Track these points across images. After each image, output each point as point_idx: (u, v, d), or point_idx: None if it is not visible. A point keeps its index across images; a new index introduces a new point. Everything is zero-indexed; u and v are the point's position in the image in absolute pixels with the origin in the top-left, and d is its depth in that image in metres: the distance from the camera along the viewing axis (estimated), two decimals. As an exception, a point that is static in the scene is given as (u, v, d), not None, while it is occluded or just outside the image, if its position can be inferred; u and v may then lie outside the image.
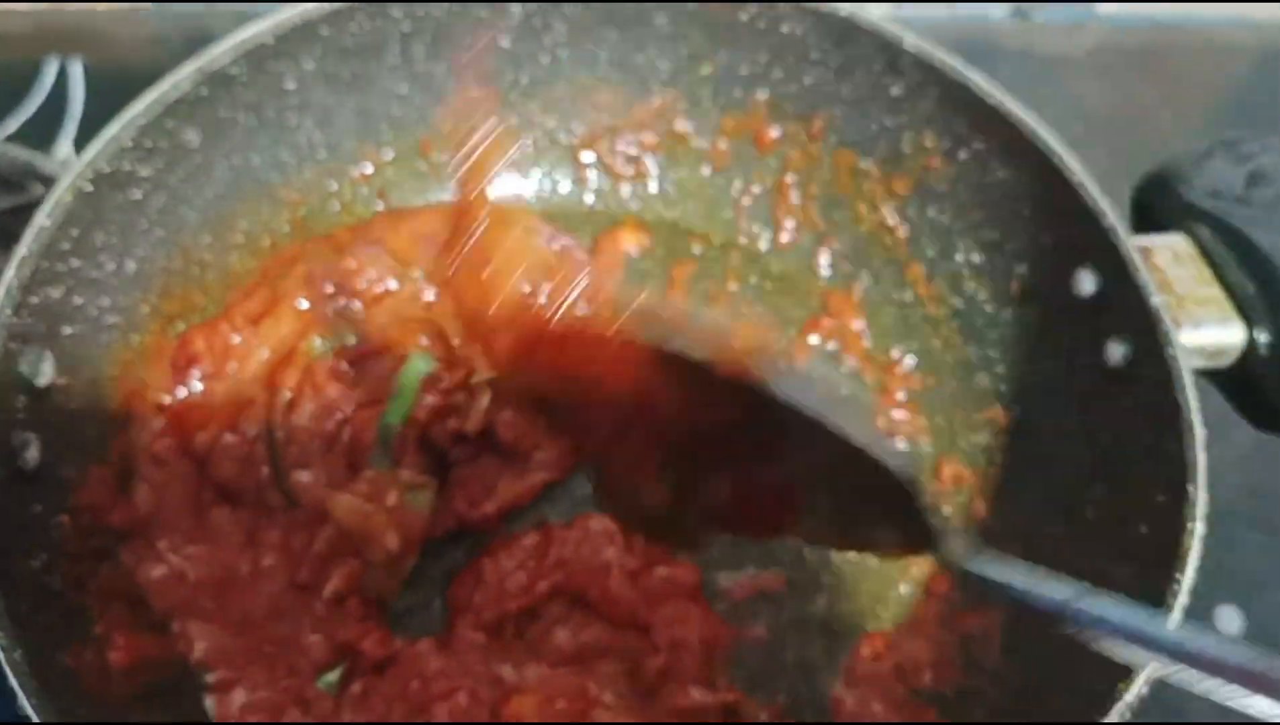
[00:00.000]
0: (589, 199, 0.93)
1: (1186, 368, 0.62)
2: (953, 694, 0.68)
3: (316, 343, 0.72)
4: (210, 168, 0.75)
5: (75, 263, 0.65)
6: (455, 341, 0.71)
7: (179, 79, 0.69)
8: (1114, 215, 0.69)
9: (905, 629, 0.72)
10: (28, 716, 0.48)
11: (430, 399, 0.70)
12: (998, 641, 0.68)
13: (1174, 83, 1.14)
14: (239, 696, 0.61)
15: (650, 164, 0.93)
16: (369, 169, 0.86)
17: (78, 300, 0.65)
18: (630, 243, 0.91)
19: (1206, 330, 0.67)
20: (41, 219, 0.62)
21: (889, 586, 0.74)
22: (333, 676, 0.64)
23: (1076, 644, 0.60)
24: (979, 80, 0.76)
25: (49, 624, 0.55)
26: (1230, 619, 0.82)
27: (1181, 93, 1.13)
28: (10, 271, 0.59)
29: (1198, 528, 0.57)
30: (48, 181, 0.93)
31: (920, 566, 0.75)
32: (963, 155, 0.80)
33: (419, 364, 0.71)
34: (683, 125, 0.91)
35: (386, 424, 0.70)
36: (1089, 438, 0.71)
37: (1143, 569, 0.60)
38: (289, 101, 0.78)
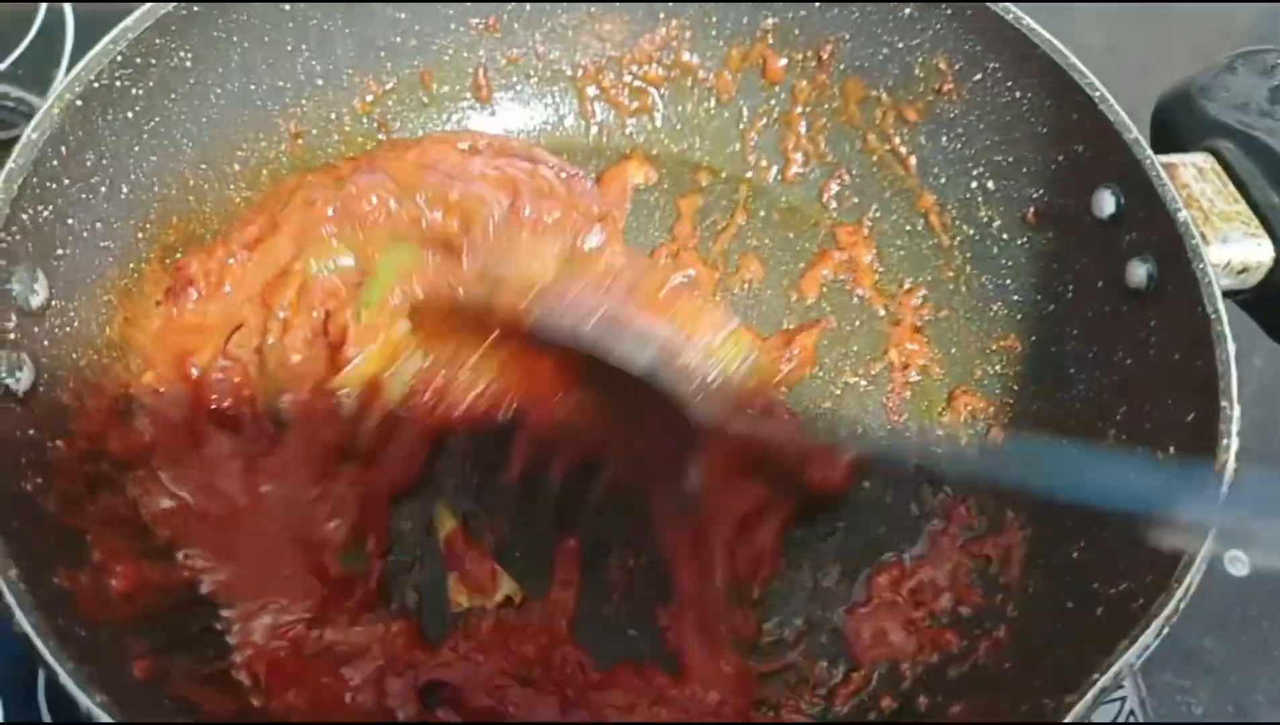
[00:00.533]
0: (594, 132, 0.90)
1: (1215, 281, 0.61)
2: (972, 614, 0.66)
3: (312, 265, 0.70)
4: (205, 92, 0.73)
5: (66, 182, 0.62)
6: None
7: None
8: (1137, 130, 0.68)
9: (922, 555, 0.71)
10: (24, 634, 0.46)
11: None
12: (1018, 560, 0.67)
13: (1176, 27, 1.12)
14: (262, 621, 0.60)
15: (656, 97, 0.90)
16: (369, 98, 0.83)
17: (70, 221, 0.63)
18: (637, 176, 0.89)
19: (1234, 246, 0.65)
20: (30, 132, 0.59)
21: (905, 514, 0.73)
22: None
23: (1100, 556, 0.59)
24: (996, -4, 0.74)
25: (43, 546, 0.53)
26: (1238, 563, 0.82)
27: (1183, 36, 1.11)
28: (-1, 185, 0.57)
29: (1233, 443, 0.55)
30: (38, 119, 0.91)
31: (938, 495, 0.74)
32: (977, 76, 0.78)
33: (402, 252, 0.69)
34: (689, 56, 0.89)
35: (364, 304, 0.68)
36: (1108, 361, 0.70)
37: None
38: (285, 25, 0.76)
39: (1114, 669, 0.49)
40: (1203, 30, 1.09)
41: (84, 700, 0.44)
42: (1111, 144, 0.68)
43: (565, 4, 0.86)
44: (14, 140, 0.81)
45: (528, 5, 0.85)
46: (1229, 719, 0.75)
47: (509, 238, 0.71)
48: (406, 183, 0.73)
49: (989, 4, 0.74)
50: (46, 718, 0.69)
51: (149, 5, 0.66)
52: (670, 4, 0.86)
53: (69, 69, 0.99)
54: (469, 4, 0.83)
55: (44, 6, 1.04)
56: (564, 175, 0.81)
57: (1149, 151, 0.66)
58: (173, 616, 0.60)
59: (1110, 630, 0.54)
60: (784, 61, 0.87)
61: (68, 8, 1.02)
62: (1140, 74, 0.77)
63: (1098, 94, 0.69)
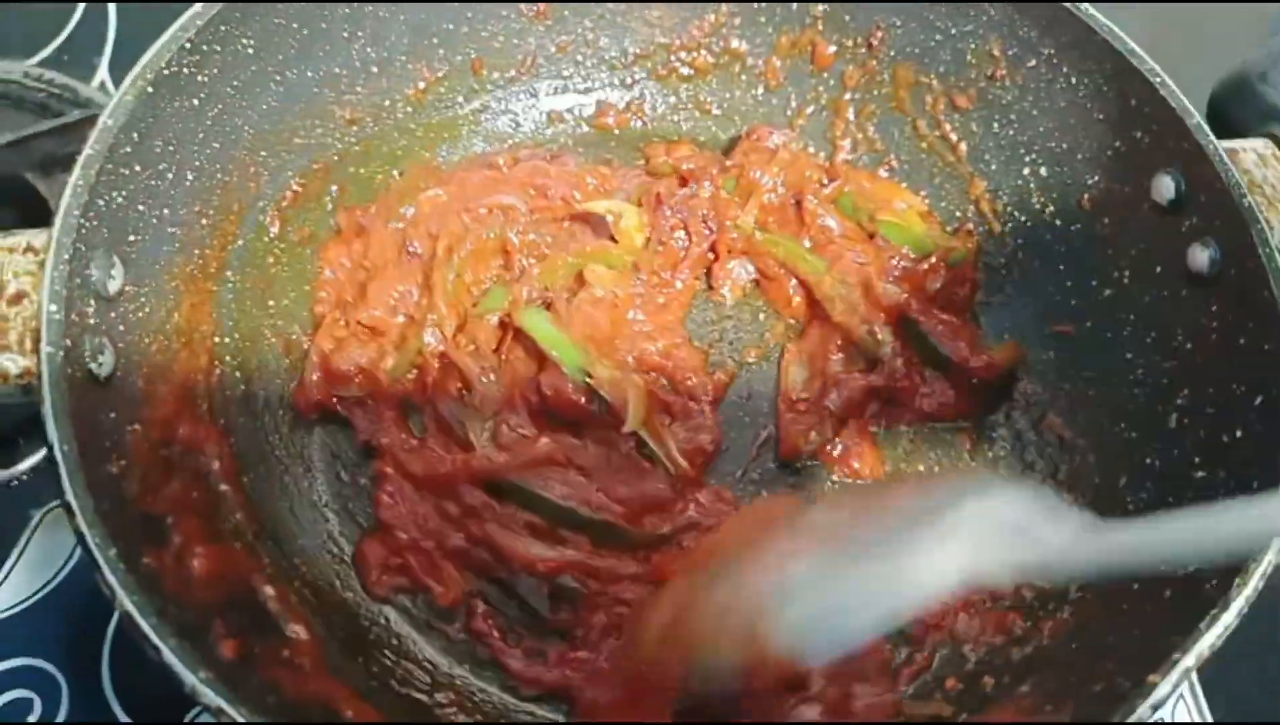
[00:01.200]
0: (641, 120, 0.91)
1: (1281, 265, 0.61)
2: (1034, 596, 0.67)
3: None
4: (265, 79, 0.73)
5: (137, 168, 0.63)
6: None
7: (236, -18, 0.67)
8: (1198, 115, 0.68)
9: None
10: (127, 612, 0.47)
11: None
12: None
13: (1213, 15, 1.11)
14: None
15: (704, 84, 0.91)
16: (421, 85, 0.84)
17: (140, 207, 0.64)
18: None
19: (1297, 230, 0.65)
20: (105, 118, 0.60)
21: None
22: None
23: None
24: (1051, -21, 0.74)
25: (130, 527, 0.54)
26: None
27: (1226, 20, 1.11)
28: (77, 172, 0.58)
29: (1304, 423, 0.56)
30: (85, 105, 0.91)
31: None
32: (1031, 63, 0.78)
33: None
34: (738, 43, 0.89)
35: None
36: (1167, 346, 0.70)
37: (1238, 472, 0.59)
38: (342, 11, 0.76)
39: (1195, 649, 0.50)
40: (1250, 15, 1.09)
41: (188, 678, 0.45)
42: (1173, 129, 0.68)
43: (614, -4, 0.86)
44: (63, 127, 0.84)
45: (575, -6, 0.86)
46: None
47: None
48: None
49: (1047, -10, 0.73)
50: (109, 690, 0.70)
51: (208, -4, 0.66)
52: (719, -8, 0.86)
53: (112, 56, 1.01)
54: (522, -9, 0.84)
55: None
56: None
57: (1212, 137, 0.66)
58: (250, 600, 0.61)
59: (1180, 613, 0.54)
60: (833, 48, 0.87)
61: (112, 6, 1.02)
62: (1190, 60, 0.77)
63: (1159, 79, 0.69)
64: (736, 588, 0.50)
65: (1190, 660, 0.49)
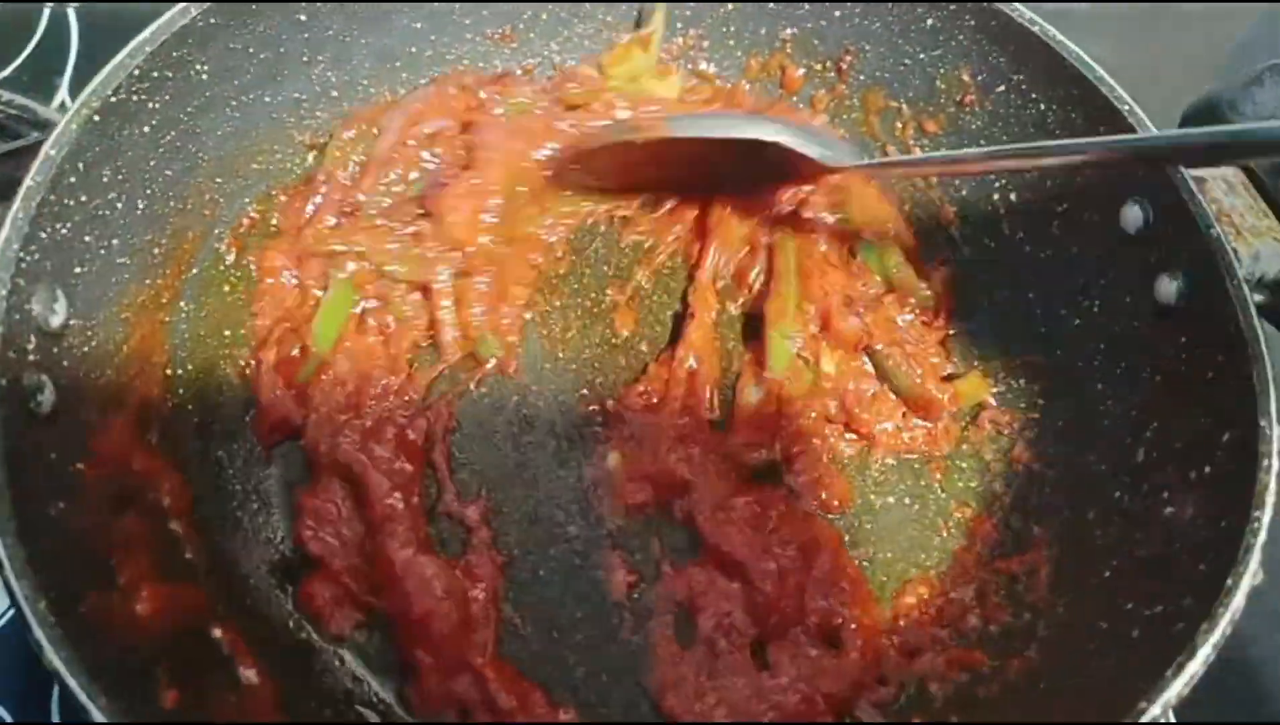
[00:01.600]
0: (609, 142, 0.90)
1: (1249, 298, 0.60)
2: (999, 633, 0.66)
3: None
4: (222, 104, 0.72)
5: (83, 198, 0.61)
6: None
7: (188, 5, 0.65)
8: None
9: (948, 574, 0.70)
10: (56, 671, 0.45)
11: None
12: (1046, 578, 0.66)
13: (1178, 36, 1.11)
14: None
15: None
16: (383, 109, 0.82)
17: (87, 238, 0.62)
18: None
19: (1266, 261, 0.65)
20: (48, 148, 0.58)
21: (931, 532, 0.72)
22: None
23: (1133, 576, 0.59)
24: (1021, 8, 0.73)
25: (70, 572, 0.52)
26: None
27: (1187, 46, 1.11)
28: (17, 203, 0.56)
29: (1274, 463, 0.55)
30: (43, 126, 0.89)
31: (962, 512, 0.73)
32: (1000, 88, 0.78)
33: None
34: (706, 65, 0.88)
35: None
36: (1137, 377, 0.69)
37: (1209, 508, 0.58)
38: (301, 35, 0.75)
39: (1162, 698, 0.49)
40: (1209, 41, 1.09)
41: (119, 735, 0.43)
42: (1140, 158, 0.67)
43: (582, 16, 0.85)
44: (19, 150, 0.82)
45: (544, 15, 0.84)
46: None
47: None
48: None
49: (1016, 18, 0.73)
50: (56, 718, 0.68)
51: (165, 18, 0.65)
52: (689, 14, 0.85)
53: (73, 75, 0.99)
54: (486, 14, 0.82)
55: (47, 11, 1.02)
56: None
57: (1179, 167, 0.66)
58: (201, 642, 0.59)
59: (1149, 653, 0.54)
60: (802, 71, 0.86)
61: (71, 11, 1.01)
62: (1159, 86, 0.77)
63: (1126, 107, 0.69)
64: None
65: (1157, 710, 0.48)
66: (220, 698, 0.57)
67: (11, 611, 0.70)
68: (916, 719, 0.64)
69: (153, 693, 0.50)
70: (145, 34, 0.64)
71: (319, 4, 0.74)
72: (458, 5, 0.81)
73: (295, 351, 0.72)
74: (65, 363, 0.59)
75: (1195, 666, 0.49)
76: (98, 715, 0.43)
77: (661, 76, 0.85)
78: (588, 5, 0.84)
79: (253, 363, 0.72)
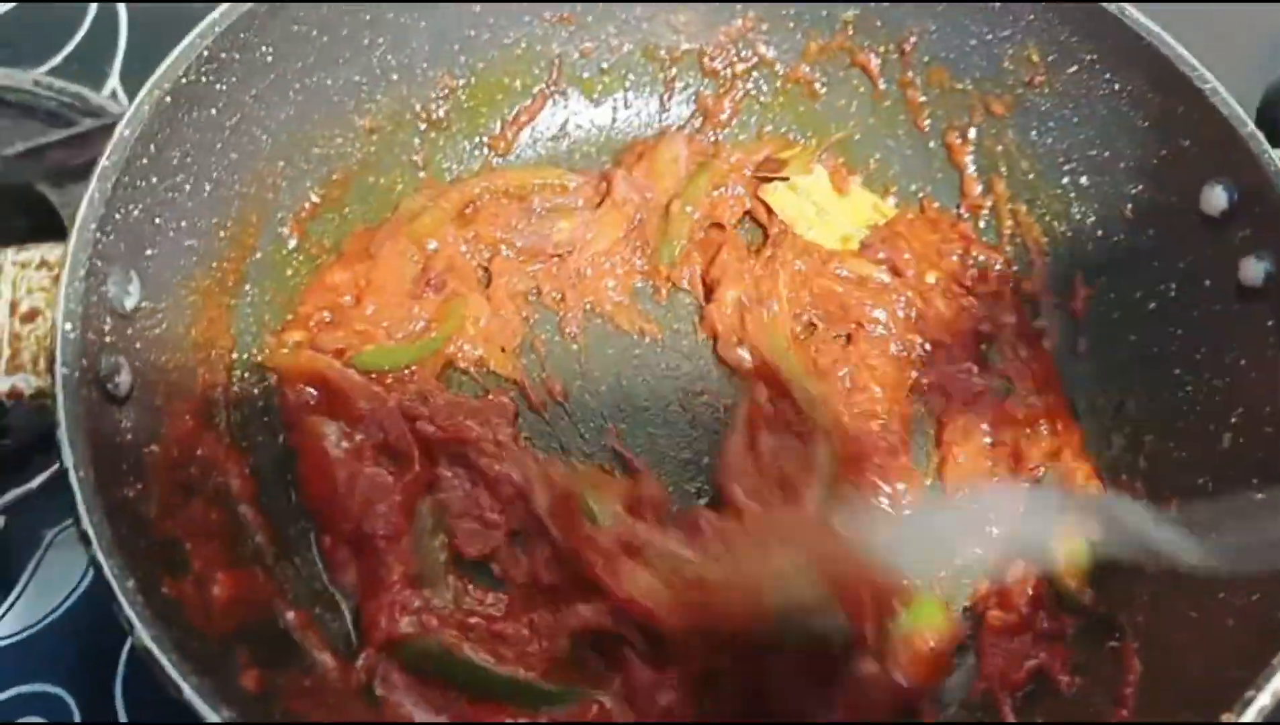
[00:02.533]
0: (666, 126, 0.89)
1: (1344, 278, 0.58)
2: (1084, 628, 0.64)
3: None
4: (284, 88, 0.71)
5: (154, 180, 0.61)
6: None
7: (250, -10, 0.65)
8: (1251, 123, 0.65)
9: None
10: (147, 649, 0.44)
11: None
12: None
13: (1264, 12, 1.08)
14: None
15: (734, 90, 0.88)
16: (443, 92, 0.81)
17: (158, 221, 0.62)
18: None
19: (1356, 243, 0.63)
20: (122, 129, 0.58)
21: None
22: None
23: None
24: (1093, -18, 0.72)
25: (149, 555, 0.52)
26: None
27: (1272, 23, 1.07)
28: (93, 184, 0.56)
29: (1368, 443, 0.53)
30: (96, 113, 0.89)
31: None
32: (1071, 69, 0.76)
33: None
34: (765, 49, 0.87)
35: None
36: (1219, 362, 0.67)
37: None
38: (362, 17, 0.74)
39: (1270, 685, 0.47)
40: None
41: (209, 715, 0.43)
42: (1224, 138, 0.66)
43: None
44: (74, 137, 0.82)
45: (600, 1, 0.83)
46: None
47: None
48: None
49: (1089, -4, 0.71)
50: (123, 718, 0.68)
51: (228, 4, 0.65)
52: (745, -3, 0.84)
53: (124, 63, 0.99)
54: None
55: (94, 8, 1.02)
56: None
57: (1266, 145, 0.64)
58: (272, 627, 0.58)
59: (1248, 641, 0.52)
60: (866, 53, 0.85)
61: (121, 6, 1.01)
62: (1242, 64, 0.75)
63: (1209, 86, 0.67)
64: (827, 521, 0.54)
65: (1266, 698, 0.47)
66: (295, 682, 0.56)
67: (73, 599, 0.72)
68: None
69: (235, 673, 0.50)
70: (214, 14, 0.64)
71: (380, -14, 0.73)
72: (516, -14, 0.80)
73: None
74: (139, 345, 0.58)
75: (1305, 656, 0.48)
76: (189, 693, 0.43)
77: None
78: (647, -15, 0.83)
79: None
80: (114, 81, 0.98)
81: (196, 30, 0.63)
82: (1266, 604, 0.53)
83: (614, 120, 0.88)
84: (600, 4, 0.84)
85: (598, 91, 0.87)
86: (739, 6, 0.85)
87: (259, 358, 0.71)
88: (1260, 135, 0.64)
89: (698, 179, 0.82)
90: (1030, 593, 0.66)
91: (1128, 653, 0.60)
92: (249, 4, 0.65)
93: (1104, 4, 0.71)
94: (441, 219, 0.78)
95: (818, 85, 0.86)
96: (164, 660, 0.44)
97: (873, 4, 0.82)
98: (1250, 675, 0.48)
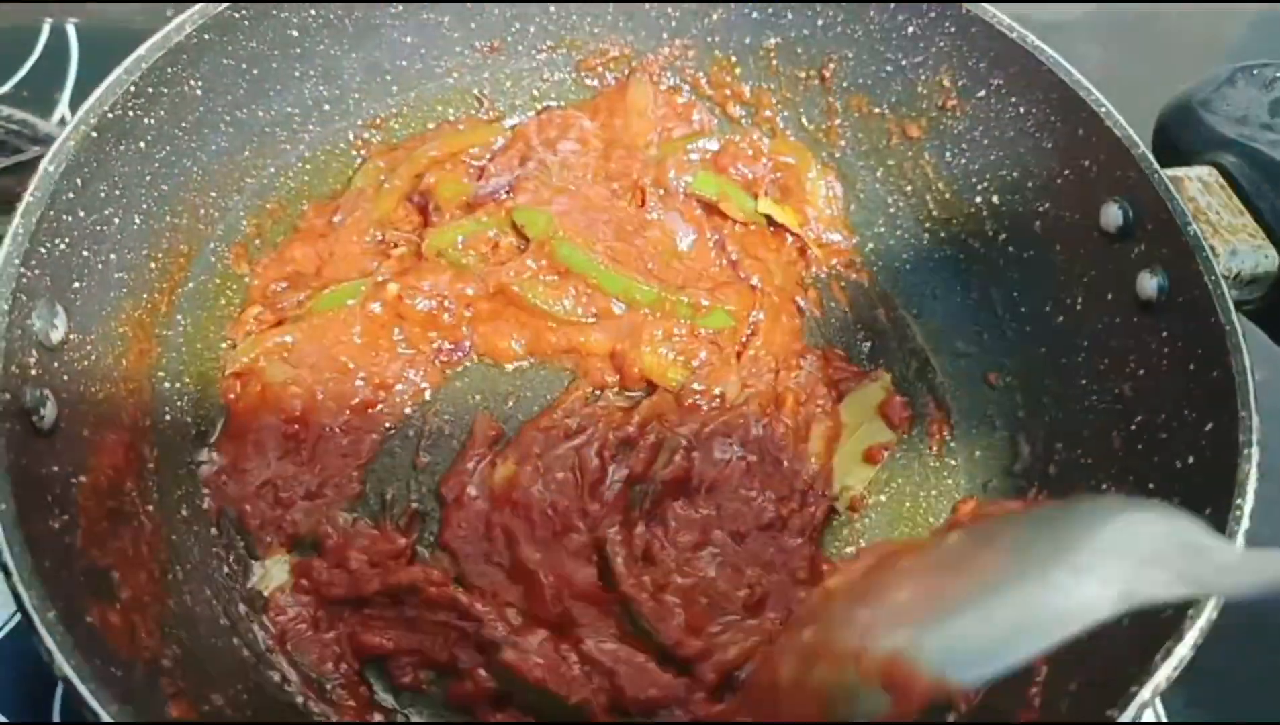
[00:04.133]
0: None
1: (1227, 292, 0.62)
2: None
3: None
4: (215, 120, 0.73)
5: (81, 213, 0.62)
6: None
7: (183, 21, 0.66)
8: (1143, 144, 0.69)
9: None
10: (66, 678, 0.45)
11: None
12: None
13: (1166, 45, 1.13)
14: None
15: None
16: (375, 121, 0.83)
17: (85, 254, 0.63)
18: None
19: (1242, 257, 0.66)
20: (46, 164, 0.59)
21: (923, 530, 0.74)
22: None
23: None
24: (999, 14, 0.75)
25: (74, 585, 0.53)
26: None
27: (1174, 54, 1.13)
28: (17, 219, 0.57)
29: (1254, 452, 0.56)
30: (44, 142, 0.90)
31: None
32: (981, 93, 0.79)
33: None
34: (694, 73, 0.89)
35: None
36: (1120, 372, 0.70)
37: (1193, 498, 0.59)
38: (293, 51, 0.76)
39: (1152, 682, 0.50)
40: (1191, 45, 1.12)
41: (131, 744, 0.44)
42: (1119, 159, 0.69)
43: (569, 27, 0.86)
44: (19, 165, 0.83)
45: (532, 28, 0.86)
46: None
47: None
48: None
49: (994, 24, 0.75)
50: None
51: (159, 35, 0.66)
52: (674, 24, 0.86)
53: (74, 90, 1.00)
54: (474, 27, 0.84)
55: (47, 28, 1.03)
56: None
57: (1157, 166, 0.67)
58: (207, 650, 0.59)
59: (1140, 640, 0.54)
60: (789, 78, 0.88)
61: (71, 29, 1.01)
62: (1140, 89, 0.78)
63: (1104, 109, 0.70)
64: (873, 618, 0.49)
65: (1147, 694, 0.50)
66: (233, 706, 0.57)
67: (13, 623, 0.73)
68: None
69: (161, 703, 0.51)
70: (141, 50, 0.65)
71: (309, 21, 0.75)
72: (446, 19, 0.82)
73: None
74: (65, 377, 0.59)
75: (1184, 650, 0.51)
76: (108, 721, 0.44)
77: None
78: (574, 17, 0.86)
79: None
80: (63, 109, 0.98)
81: (122, 66, 0.64)
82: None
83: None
84: (530, 35, 0.86)
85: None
86: (665, 35, 0.87)
87: (211, 367, 0.73)
88: (1150, 156, 0.68)
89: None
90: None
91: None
92: (176, 38, 0.67)
93: (1007, 33, 0.75)
94: (396, 197, 0.80)
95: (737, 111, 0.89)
96: (83, 690, 0.45)
97: (793, 30, 0.85)
98: (1136, 672, 0.51)
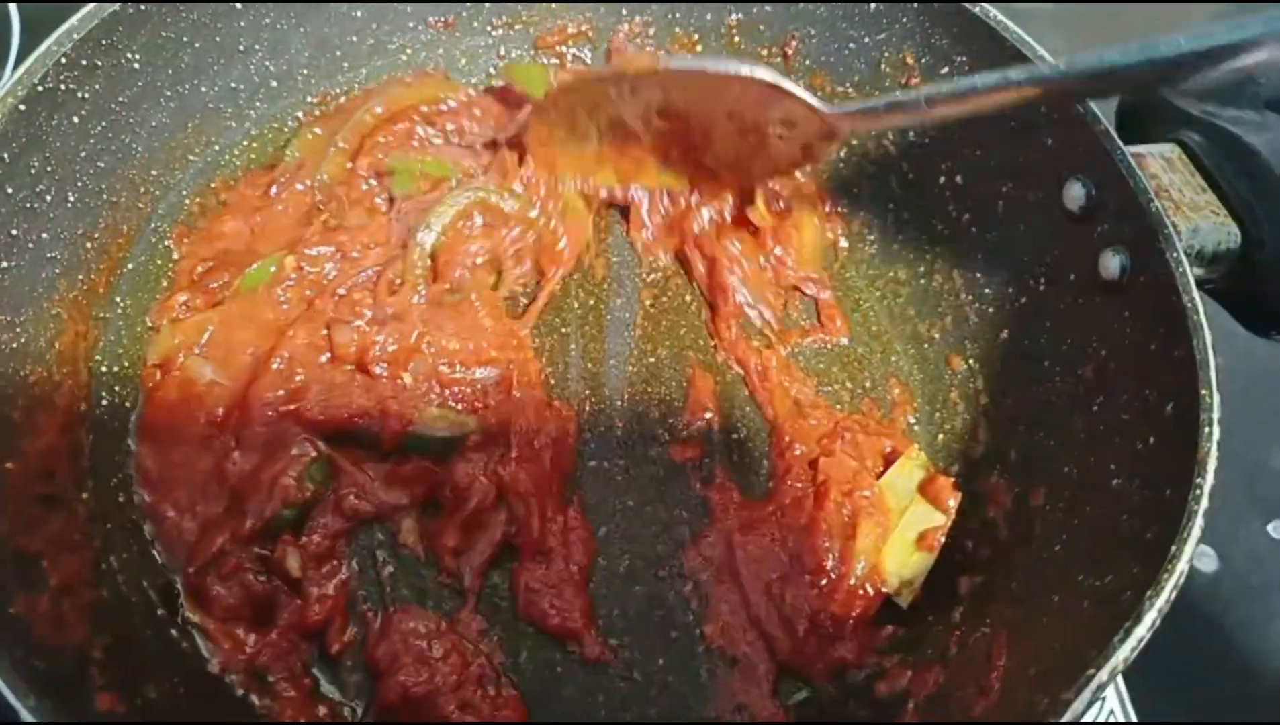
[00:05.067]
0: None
1: (1189, 270, 0.61)
2: (958, 611, 0.66)
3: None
4: (155, 94, 0.70)
5: (9, 190, 0.60)
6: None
7: (124, -6, 0.64)
8: (1106, 121, 0.68)
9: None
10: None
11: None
12: (998, 555, 0.67)
13: (1130, 30, 1.13)
14: None
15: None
16: (324, 98, 0.81)
17: (14, 232, 0.60)
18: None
19: (1204, 235, 0.65)
20: (-30, 138, 0.56)
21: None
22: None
23: (1083, 548, 0.59)
24: (962, -10, 0.74)
25: (1, 573, 0.51)
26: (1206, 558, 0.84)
27: (1139, 26, 1.13)
28: (-62, 195, 0.54)
29: (1214, 431, 0.55)
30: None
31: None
32: (944, 70, 0.78)
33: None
34: (652, 50, 0.88)
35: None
36: (1083, 352, 0.69)
37: (1154, 478, 0.59)
38: (238, 24, 0.73)
39: (1109, 664, 0.49)
40: (1157, 28, 1.11)
41: (50, 739, 0.42)
42: (1081, 136, 0.68)
43: (525, 4, 0.84)
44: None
45: (487, 3, 0.84)
46: (1198, 714, 0.76)
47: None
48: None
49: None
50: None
51: (94, 5, 0.63)
52: (633, 2, 0.85)
53: (15, 69, 0.96)
54: (428, 3, 0.81)
55: (-13, 6, 1.00)
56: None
57: (1119, 143, 0.66)
58: (138, 640, 0.57)
59: (1100, 621, 0.54)
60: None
61: (13, 9, 0.98)
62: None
63: (1066, 87, 0.69)
64: None
65: (1104, 675, 0.49)
66: (168, 699, 0.55)
67: None
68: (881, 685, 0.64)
69: (87, 695, 0.49)
70: (73, 20, 0.63)
71: (254, -11, 0.73)
72: (401, -8, 0.80)
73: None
74: (-8, 359, 0.57)
75: (1141, 631, 0.50)
76: (26, 716, 0.42)
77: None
78: (534, -10, 0.84)
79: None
80: (6, 86, 0.95)
81: (53, 36, 0.62)
82: (1116, 586, 0.55)
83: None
84: (486, 9, 0.84)
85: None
86: (625, 12, 0.86)
87: (142, 355, 0.69)
88: (1113, 133, 0.67)
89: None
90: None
91: (997, 641, 0.62)
92: (111, 6, 0.64)
93: (971, 9, 0.73)
94: (342, 162, 0.77)
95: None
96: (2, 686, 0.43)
97: (755, 6, 0.84)
98: (1095, 655, 0.50)
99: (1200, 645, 0.80)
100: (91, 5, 0.63)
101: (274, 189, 0.75)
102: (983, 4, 0.73)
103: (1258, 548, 0.85)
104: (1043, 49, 0.71)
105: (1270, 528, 0.86)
